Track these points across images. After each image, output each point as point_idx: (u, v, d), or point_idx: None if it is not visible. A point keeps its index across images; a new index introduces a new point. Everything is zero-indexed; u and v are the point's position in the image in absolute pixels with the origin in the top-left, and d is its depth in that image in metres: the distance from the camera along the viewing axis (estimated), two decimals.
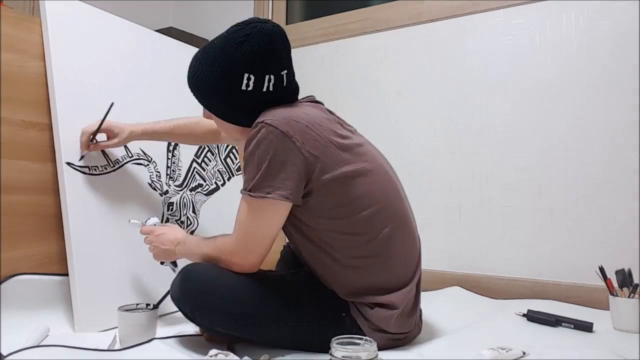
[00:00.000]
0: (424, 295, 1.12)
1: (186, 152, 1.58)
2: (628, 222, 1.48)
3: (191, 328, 1.13)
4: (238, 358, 0.90)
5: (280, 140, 0.92)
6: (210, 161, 1.68)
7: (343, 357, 0.77)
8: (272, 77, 0.99)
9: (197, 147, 1.62)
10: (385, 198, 1.01)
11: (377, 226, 0.99)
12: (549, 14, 1.63)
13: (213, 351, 0.91)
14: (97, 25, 1.40)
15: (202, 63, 1.01)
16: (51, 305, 1.19)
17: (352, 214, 0.97)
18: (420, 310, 1.12)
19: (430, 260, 1.67)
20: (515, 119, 1.67)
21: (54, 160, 1.24)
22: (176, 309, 1.02)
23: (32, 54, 1.25)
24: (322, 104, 1.11)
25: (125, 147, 1.37)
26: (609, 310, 1.28)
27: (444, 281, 1.72)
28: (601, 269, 1.31)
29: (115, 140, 1.28)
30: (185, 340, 1.06)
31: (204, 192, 1.62)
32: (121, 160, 1.36)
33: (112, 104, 1.25)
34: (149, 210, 1.40)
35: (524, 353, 1.00)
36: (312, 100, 1.10)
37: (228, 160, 1.77)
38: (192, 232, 1.53)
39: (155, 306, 1.09)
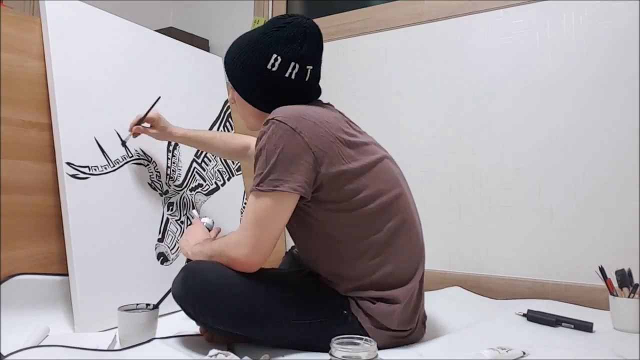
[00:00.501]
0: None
1: (186, 152, 1.58)
2: (628, 222, 1.48)
3: (191, 328, 1.13)
4: (238, 358, 0.90)
5: (290, 135, 0.94)
6: (210, 161, 1.68)
7: (343, 357, 0.77)
8: (297, 65, 1.03)
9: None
10: (390, 193, 1.02)
11: (382, 220, 1.00)
12: (549, 14, 1.63)
13: (213, 351, 0.91)
14: (97, 25, 1.40)
15: (242, 39, 1.09)
16: (51, 305, 1.19)
17: (358, 208, 0.99)
18: (425, 315, 1.12)
19: (430, 260, 1.66)
20: (515, 119, 1.67)
21: (54, 160, 1.24)
22: (176, 308, 1.02)
23: (32, 54, 1.26)
24: (332, 106, 1.13)
25: (126, 147, 1.38)
26: (609, 310, 1.28)
27: (444, 281, 1.72)
28: (601, 269, 1.31)
29: (156, 131, 1.39)
30: (185, 340, 1.06)
31: (204, 192, 1.62)
32: (121, 160, 1.37)
33: (158, 97, 1.38)
34: (149, 210, 1.40)
35: (524, 353, 1.00)
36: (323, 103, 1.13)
37: (228, 160, 1.77)
38: None
39: (155, 306, 1.09)
